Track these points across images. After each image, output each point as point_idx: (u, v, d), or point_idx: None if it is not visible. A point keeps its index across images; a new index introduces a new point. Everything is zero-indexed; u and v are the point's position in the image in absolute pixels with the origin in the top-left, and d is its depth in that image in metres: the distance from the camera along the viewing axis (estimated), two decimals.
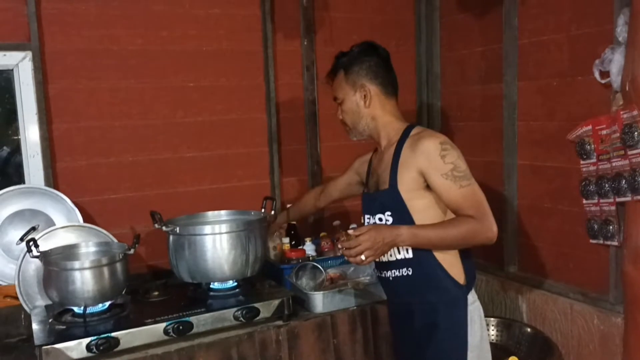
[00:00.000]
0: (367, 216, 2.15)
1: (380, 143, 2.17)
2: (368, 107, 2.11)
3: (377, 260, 2.01)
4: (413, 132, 2.06)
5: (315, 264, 2.64)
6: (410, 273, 2.05)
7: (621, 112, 2.17)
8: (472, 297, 2.06)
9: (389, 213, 2.05)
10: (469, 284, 2.06)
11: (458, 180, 1.91)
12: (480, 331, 2.06)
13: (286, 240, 2.90)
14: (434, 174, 1.93)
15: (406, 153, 2.00)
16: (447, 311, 2.03)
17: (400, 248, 2.02)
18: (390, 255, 2.07)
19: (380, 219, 2.08)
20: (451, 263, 2.03)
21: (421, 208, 2.00)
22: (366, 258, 1.85)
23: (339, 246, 1.92)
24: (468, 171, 1.94)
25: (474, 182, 1.94)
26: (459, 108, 3.32)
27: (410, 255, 2.03)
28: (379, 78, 2.12)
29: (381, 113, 2.13)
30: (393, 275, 2.10)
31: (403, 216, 2.01)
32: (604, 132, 2.35)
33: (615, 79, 2.26)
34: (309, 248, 2.89)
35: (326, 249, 2.96)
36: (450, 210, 1.97)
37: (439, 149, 1.93)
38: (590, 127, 2.42)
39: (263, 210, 2.66)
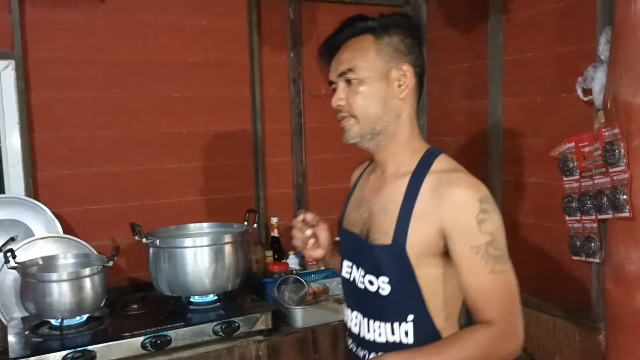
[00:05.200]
0: (348, 264, 1.59)
1: (384, 164, 1.54)
2: (402, 99, 1.48)
3: (356, 333, 1.56)
4: (437, 164, 1.46)
5: (298, 277, 2.62)
6: None
7: (603, 130, 2.18)
8: None
9: (385, 280, 1.45)
10: None
11: (491, 261, 1.35)
12: None
13: (269, 253, 2.88)
14: (460, 242, 1.36)
15: (426, 198, 1.40)
16: None
17: (397, 326, 1.46)
18: (379, 334, 1.48)
19: (371, 283, 1.48)
20: None
21: (433, 280, 1.43)
22: None
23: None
24: (506, 249, 1.38)
25: (510, 267, 1.38)
26: (445, 123, 3.32)
27: (410, 340, 1.44)
28: (418, 67, 1.50)
29: (409, 116, 1.51)
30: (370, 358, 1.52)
31: (407, 289, 1.43)
32: (587, 149, 2.36)
33: (597, 97, 2.27)
34: (292, 261, 2.88)
35: (310, 263, 2.94)
36: (465, 301, 1.42)
37: (478, 208, 1.35)
38: (573, 144, 2.43)
39: (246, 223, 2.64)
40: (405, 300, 1.44)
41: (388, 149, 1.51)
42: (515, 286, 1.38)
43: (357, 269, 1.53)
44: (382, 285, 1.45)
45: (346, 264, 1.58)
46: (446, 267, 1.41)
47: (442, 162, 1.46)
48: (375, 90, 1.45)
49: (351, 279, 1.55)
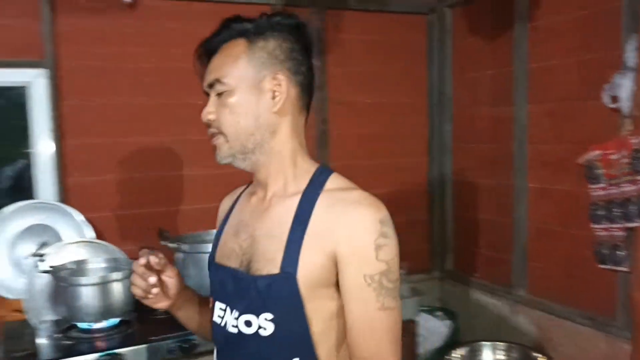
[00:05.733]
0: (221, 306, 1.32)
1: (266, 183, 1.31)
2: (277, 113, 1.26)
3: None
4: (331, 183, 1.26)
5: None
6: None
7: (630, 138, 2.17)
8: None
9: (268, 317, 1.21)
10: None
11: (383, 294, 1.17)
12: None
13: None
14: (353, 268, 1.17)
15: (321, 219, 1.20)
16: None
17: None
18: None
19: (249, 324, 1.23)
20: None
21: (325, 317, 1.21)
22: None
23: None
24: (399, 282, 1.21)
25: (399, 303, 1.21)
26: (470, 130, 3.32)
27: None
28: (300, 74, 1.29)
29: (289, 131, 1.29)
30: None
31: (294, 327, 1.20)
32: (613, 157, 2.35)
33: (624, 104, 2.26)
34: None
35: None
36: (347, 337, 1.22)
37: (378, 231, 1.17)
38: (599, 151, 2.42)
39: None
40: (290, 342, 1.21)
41: (269, 167, 1.29)
42: (400, 325, 1.21)
43: (231, 311, 1.27)
44: (264, 324, 1.21)
45: (219, 306, 1.32)
46: (341, 299, 1.21)
47: (336, 181, 1.27)
48: (245, 103, 1.24)
49: (222, 323, 1.30)
